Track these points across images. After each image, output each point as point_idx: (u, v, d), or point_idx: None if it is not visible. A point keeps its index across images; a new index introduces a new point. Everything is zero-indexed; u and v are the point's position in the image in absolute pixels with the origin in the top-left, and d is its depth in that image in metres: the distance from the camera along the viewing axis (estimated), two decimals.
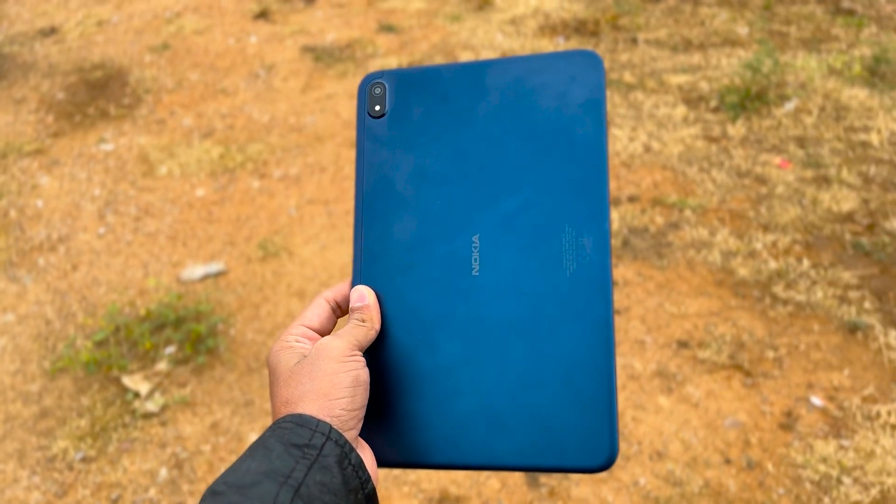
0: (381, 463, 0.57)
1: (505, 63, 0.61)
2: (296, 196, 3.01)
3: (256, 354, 2.30)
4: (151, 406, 2.15)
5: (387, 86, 0.62)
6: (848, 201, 2.74)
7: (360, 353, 0.54)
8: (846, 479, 1.82)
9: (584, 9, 4.51)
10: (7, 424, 2.17)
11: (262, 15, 4.84)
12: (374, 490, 0.50)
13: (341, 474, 0.48)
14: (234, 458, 2.00)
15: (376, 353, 0.58)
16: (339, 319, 0.61)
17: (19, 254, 2.82)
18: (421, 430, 0.56)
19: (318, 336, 0.58)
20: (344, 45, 4.30)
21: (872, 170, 2.91)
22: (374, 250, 0.59)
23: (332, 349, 0.53)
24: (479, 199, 0.58)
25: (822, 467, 1.85)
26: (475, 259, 0.57)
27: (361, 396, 0.53)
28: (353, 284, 0.60)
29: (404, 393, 0.57)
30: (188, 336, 2.33)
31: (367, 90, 0.63)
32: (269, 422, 2.10)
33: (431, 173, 0.60)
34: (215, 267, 2.65)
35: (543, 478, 1.88)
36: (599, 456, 0.53)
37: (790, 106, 3.33)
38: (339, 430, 0.50)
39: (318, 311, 0.58)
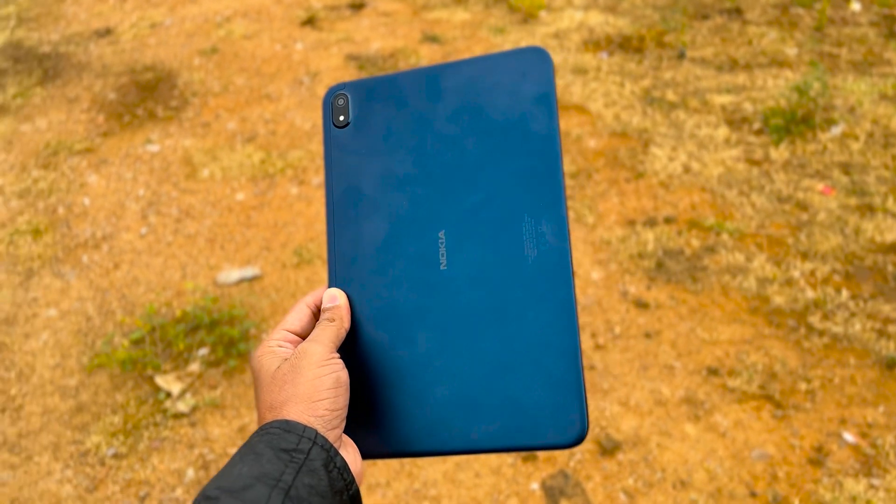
0: (366, 455, 0.59)
1: (458, 65, 0.64)
2: None
3: None
4: (182, 406, 2.20)
5: (349, 96, 0.65)
6: (892, 231, 2.68)
7: (339, 356, 0.57)
8: None
9: (629, 24, 4.48)
10: (44, 417, 2.24)
11: (310, 22, 4.91)
12: (357, 491, 0.53)
13: (327, 477, 0.50)
14: None
15: (355, 351, 0.61)
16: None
17: (65, 250, 2.91)
18: (402, 421, 0.58)
19: (300, 339, 0.60)
20: (388, 54, 4.34)
21: None
22: (346, 254, 0.62)
23: (313, 353, 0.55)
24: (442, 197, 0.61)
25: None
26: (442, 254, 0.60)
27: (343, 397, 0.55)
28: (328, 288, 0.62)
29: (384, 387, 0.59)
30: (221, 339, 2.38)
31: (331, 102, 0.65)
32: None
33: (396, 176, 0.62)
34: (251, 271, 2.70)
35: None
36: (571, 433, 0.55)
37: (837, 130, 3.26)
38: (324, 433, 0.53)
39: (299, 316, 0.61)
